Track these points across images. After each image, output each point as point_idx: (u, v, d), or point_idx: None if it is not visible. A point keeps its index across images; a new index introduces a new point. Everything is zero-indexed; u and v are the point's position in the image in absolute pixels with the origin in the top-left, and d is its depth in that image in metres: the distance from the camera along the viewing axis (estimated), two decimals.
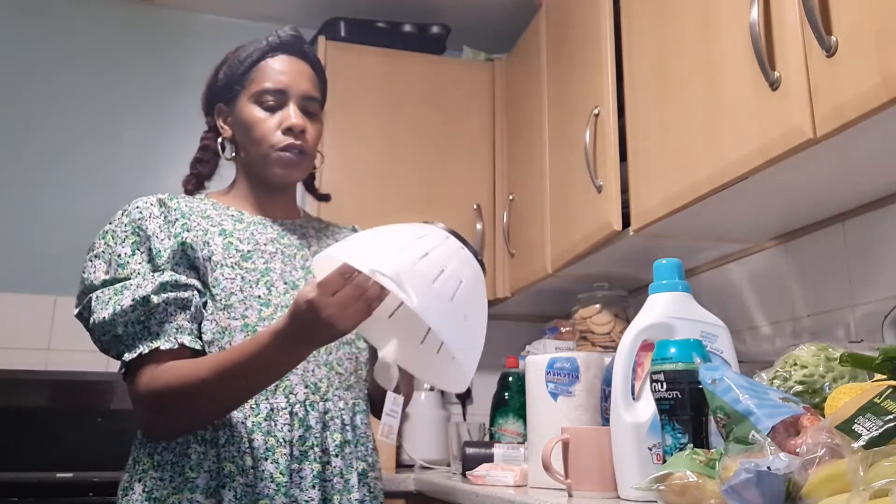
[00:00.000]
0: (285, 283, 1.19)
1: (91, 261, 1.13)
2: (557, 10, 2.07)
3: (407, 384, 1.23)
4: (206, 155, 1.31)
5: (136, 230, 1.13)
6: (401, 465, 2.24)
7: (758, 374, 1.02)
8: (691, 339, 1.03)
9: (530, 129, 2.22)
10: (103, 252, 1.13)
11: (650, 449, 1.06)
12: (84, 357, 2.19)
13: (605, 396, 1.31)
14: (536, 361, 1.39)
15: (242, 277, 1.15)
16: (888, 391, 0.73)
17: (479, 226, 2.40)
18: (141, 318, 1.07)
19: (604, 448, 1.12)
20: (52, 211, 2.43)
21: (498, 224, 2.40)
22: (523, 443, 1.69)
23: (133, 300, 1.06)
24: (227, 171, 1.32)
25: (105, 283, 1.10)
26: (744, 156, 1.22)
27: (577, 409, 1.34)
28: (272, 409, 1.12)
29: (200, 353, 1.11)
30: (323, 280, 0.91)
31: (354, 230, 1.40)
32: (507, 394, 1.98)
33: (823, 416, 0.84)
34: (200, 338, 1.11)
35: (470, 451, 1.68)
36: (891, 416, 0.69)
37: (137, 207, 1.16)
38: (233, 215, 1.23)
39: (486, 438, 2.07)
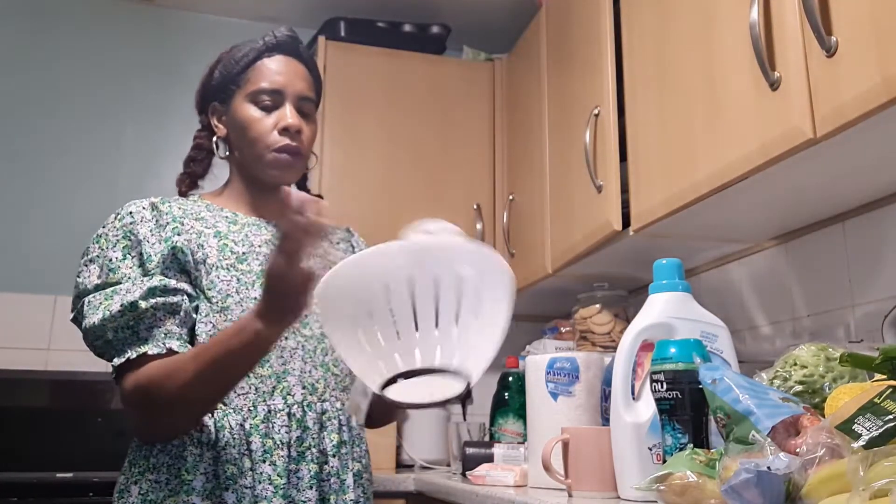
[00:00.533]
0: None
1: (85, 265, 1.13)
2: (557, 10, 2.07)
3: (383, 415, 1.25)
4: (200, 154, 1.29)
5: (128, 234, 1.13)
6: (401, 465, 2.24)
7: (758, 374, 1.02)
8: (691, 339, 1.03)
9: (530, 129, 2.22)
10: (97, 256, 1.12)
11: (650, 449, 1.06)
12: (84, 357, 2.13)
13: (605, 396, 1.31)
14: (536, 361, 1.39)
15: (238, 279, 1.15)
16: (888, 391, 0.73)
17: (479, 226, 2.40)
18: (130, 323, 1.06)
19: (604, 448, 1.12)
20: (52, 211, 2.43)
21: (498, 224, 2.40)
22: (523, 443, 1.68)
23: (122, 305, 1.06)
24: (220, 170, 1.31)
25: (97, 288, 1.09)
26: (744, 156, 1.21)
27: (577, 409, 1.34)
28: (270, 411, 1.12)
29: None
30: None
31: (348, 232, 1.40)
32: (507, 394, 1.98)
33: (823, 416, 0.84)
34: (190, 342, 1.10)
35: (470, 451, 1.68)
36: (891, 416, 0.69)
37: (130, 212, 1.15)
38: (227, 217, 1.22)
39: (486, 438, 2.07)
